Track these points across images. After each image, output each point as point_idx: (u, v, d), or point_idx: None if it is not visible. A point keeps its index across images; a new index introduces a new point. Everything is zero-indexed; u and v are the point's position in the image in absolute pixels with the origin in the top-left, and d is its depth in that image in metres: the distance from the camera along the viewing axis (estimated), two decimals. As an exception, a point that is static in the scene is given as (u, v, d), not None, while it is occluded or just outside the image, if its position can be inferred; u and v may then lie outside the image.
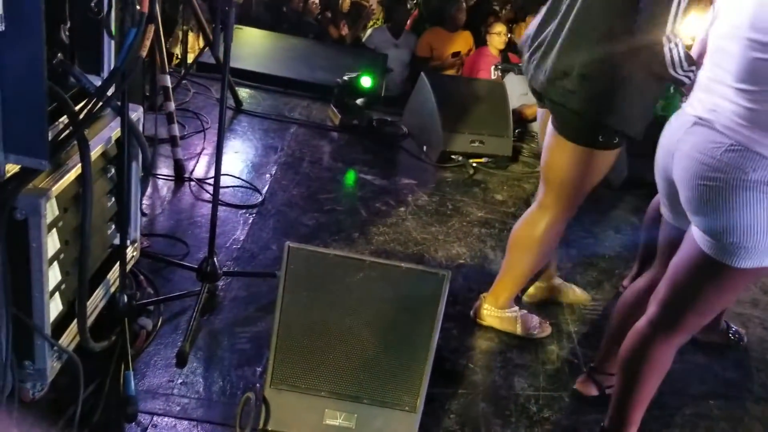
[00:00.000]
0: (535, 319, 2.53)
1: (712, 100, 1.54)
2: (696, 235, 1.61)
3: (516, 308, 2.51)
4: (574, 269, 3.02)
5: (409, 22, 6.67)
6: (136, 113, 2.00)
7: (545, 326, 2.55)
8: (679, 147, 1.60)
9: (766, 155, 1.44)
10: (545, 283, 2.73)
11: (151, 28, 1.56)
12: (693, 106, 1.61)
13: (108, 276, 1.96)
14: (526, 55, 2.23)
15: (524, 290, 2.64)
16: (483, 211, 3.45)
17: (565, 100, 2.03)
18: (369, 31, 6.13)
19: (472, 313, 2.53)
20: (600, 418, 2.03)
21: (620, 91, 1.95)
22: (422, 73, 4.27)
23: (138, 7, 1.52)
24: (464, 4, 6.20)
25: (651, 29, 1.85)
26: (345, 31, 6.51)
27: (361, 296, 1.87)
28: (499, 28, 5.49)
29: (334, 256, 1.95)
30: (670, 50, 1.82)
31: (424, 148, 4.05)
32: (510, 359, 2.38)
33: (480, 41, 5.93)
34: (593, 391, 2.20)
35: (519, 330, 2.49)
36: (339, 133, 4.15)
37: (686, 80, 1.83)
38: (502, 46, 5.47)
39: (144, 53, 1.57)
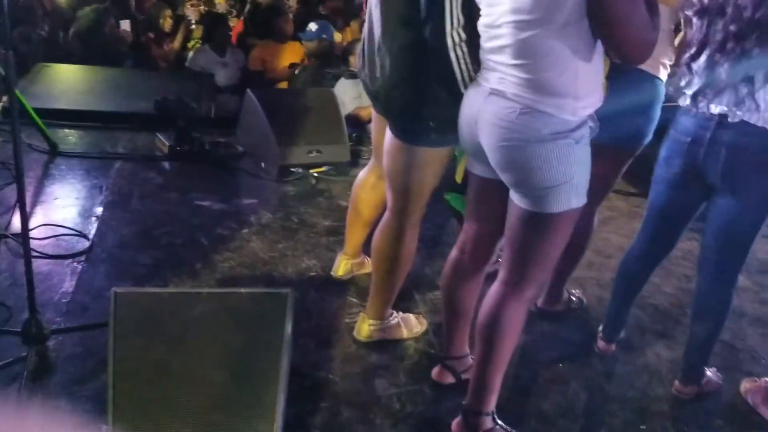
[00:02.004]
0: (411, 317, 2.57)
1: (498, 75, 1.73)
2: (513, 196, 1.80)
3: (394, 313, 2.52)
4: (423, 262, 3.08)
5: (233, 37, 6.55)
6: None
7: (421, 319, 2.60)
8: (481, 116, 1.77)
9: (550, 113, 1.66)
10: (356, 259, 2.89)
11: None
12: (486, 79, 1.78)
13: None
14: (359, 63, 2.30)
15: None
16: (329, 220, 3.45)
17: (389, 105, 2.14)
18: (190, 54, 5.93)
19: (354, 333, 2.48)
20: (461, 403, 2.08)
21: (428, 92, 1.98)
22: (248, 90, 4.20)
23: None
24: (290, 15, 6.19)
25: (436, 35, 1.88)
26: (169, 46, 6.31)
27: (202, 331, 1.79)
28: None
29: (167, 295, 1.87)
30: (457, 58, 1.88)
31: (262, 165, 3.99)
32: (369, 362, 2.38)
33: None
34: (450, 379, 2.26)
35: (405, 333, 2.51)
36: (170, 162, 3.97)
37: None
38: (337, 53, 5.50)
39: None
